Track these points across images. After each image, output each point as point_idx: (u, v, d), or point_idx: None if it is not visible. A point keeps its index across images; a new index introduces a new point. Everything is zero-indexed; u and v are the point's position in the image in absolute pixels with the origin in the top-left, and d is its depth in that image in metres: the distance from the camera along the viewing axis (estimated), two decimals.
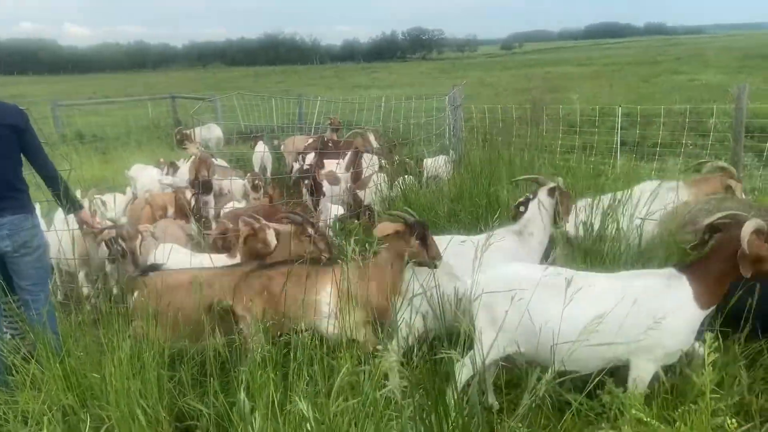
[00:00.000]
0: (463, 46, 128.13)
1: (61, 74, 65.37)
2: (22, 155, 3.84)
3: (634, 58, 47.74)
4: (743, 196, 5.15)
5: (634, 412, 2.69)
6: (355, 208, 6.45)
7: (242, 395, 2.03)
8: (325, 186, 6.55)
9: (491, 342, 2.89)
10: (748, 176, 8.89)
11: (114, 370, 2.83)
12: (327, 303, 3.42)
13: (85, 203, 5.44)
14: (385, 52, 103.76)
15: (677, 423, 2.74)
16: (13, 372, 3.31)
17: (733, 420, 2.77)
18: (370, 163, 7.11)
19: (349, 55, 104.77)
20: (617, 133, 10.64)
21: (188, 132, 14.10)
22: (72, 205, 4.08)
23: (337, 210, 5.84)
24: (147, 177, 8.07)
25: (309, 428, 2.40)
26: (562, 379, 2.62)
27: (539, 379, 2.10)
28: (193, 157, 8.64)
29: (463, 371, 2.93)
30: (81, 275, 4.87)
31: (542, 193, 4.07)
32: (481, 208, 5.11)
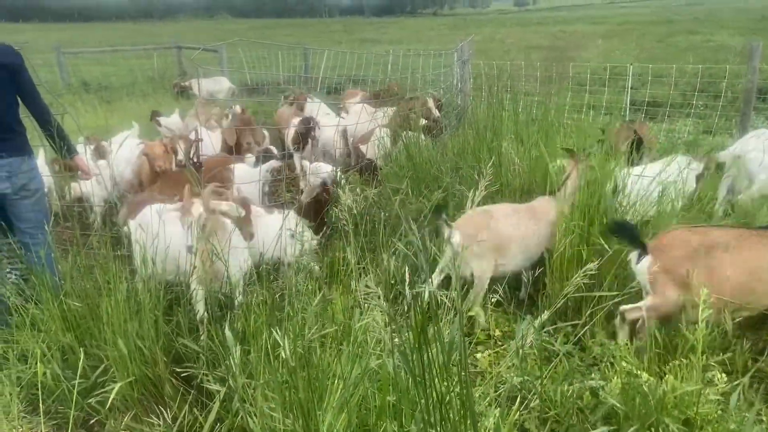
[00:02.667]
0: (475, 2, 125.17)
1: (66, 22, 64.43)
2: (17, 97, 3.82)
3: (650, 18, 46.61)
4: None
5: (624, 364, 2.72)
6: (357, 163, 6.39)
7: (228, 332, 2.05)
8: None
9: None
10: None
11: (111, 311, 2.86)
12: None
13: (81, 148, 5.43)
14: (396, 6, 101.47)
15: (667, 376, 2.76)
16: (13, 312, 3.36)
17: (723, 375, 2.80)
18: (372, 116, 7.03)
19: (359, 8, 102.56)
20: (627, 92, 10.49)
21: (186, 84, 13.97)
22: (67, 148, 4.06)
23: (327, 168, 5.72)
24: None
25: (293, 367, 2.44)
26: (552, 327, 2.64)
27: (529, 328, 2.12)
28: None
29: None
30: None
31: None
32: (483, 161, 5.06)
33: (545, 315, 2.13)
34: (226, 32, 44.60)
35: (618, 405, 2.40)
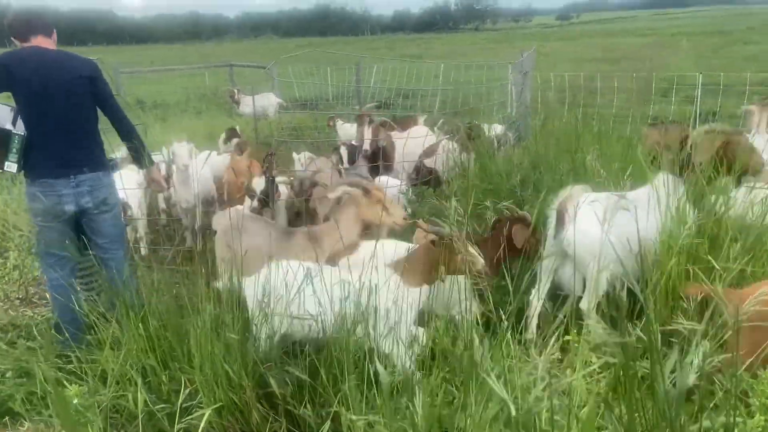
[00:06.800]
0: (517, 17, 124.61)
1: (118, 45, 66.76)
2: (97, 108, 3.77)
3: (701, 28, 45.32)
4: None
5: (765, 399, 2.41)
6: (425, 176, 6.22)
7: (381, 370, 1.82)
8: None
9: None
10: None
11: (197, 333, 2.71)
12: None
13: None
14: (438, 22, 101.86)
15: None
16: (93, 330, 3.25)
17: None
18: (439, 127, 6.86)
19: (400, 25, 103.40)
20: (696, 102, 10.01)
21: (237, 98, 14.22)
22: (144, 160, 3.98)
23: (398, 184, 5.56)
24: None
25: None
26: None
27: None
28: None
29: None
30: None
31: None
32: (563, 174, 4.81)
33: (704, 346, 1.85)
34: (272, 51, 45.41)
35: None
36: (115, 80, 16.18)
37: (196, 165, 5.69)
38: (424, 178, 5.91)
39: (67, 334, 3.47)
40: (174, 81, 20.06)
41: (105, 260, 3.70)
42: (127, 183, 5.41)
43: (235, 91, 14.30)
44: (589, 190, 3.62)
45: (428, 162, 6.54)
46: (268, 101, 14.18)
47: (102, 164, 3.76)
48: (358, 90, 14.69)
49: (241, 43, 68.31)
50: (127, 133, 3.83)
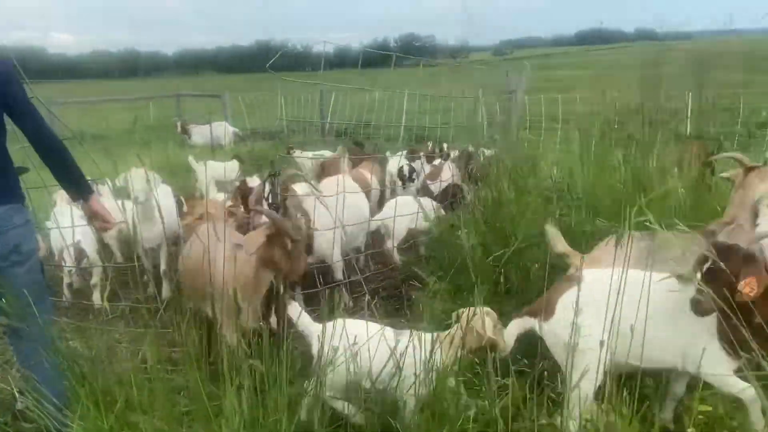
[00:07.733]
0: (455, 53, 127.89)
1: (52, 82, 63.83)
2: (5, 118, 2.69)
3: (635, 61, 47.13)
4: None
5: None
6: (443, 199, 5.43)
7: None
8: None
9: None
10: None
11: None
12: None
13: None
14: (378, 58, 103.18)
15: None
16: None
17: None
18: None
19: (342, 61, 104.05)
20: (687, 123, 9.75)
21: (188, 127, 13.58)
22: (79, 187, 2.88)
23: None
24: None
25: None
26: None
27: None
28: None
29: None
30: None
31: None
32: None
33: None
34: (214, 86, 44.23)
35: None
36: (50, 114, 14.85)
37: (159, 197, 4.68)
38: (451, 199, 5.17)
39: None
40: (116, 114, 18.58)
41: (19, 330, 2.57)
42: (68, 221, 4.30)
43: (187, 120, 13.52)
44: None
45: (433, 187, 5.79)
46: (224, 131, 13.56)
47: (13, 196, 2.68)
48: (322, 119, 14.24)
49: (181, 79, 66.63)
50: (51, 149, 2.75)
